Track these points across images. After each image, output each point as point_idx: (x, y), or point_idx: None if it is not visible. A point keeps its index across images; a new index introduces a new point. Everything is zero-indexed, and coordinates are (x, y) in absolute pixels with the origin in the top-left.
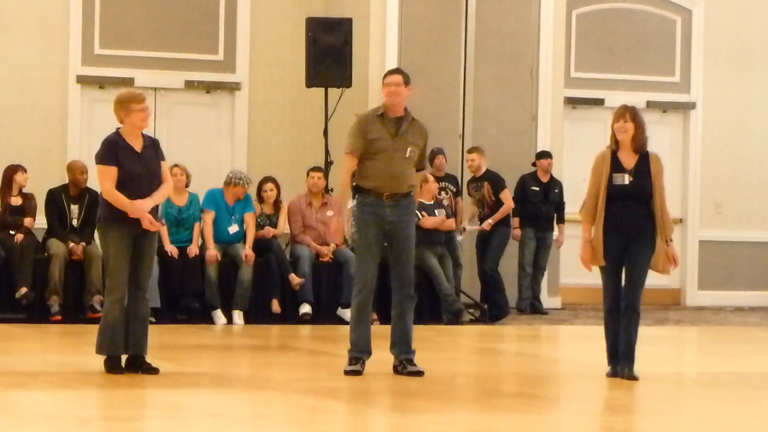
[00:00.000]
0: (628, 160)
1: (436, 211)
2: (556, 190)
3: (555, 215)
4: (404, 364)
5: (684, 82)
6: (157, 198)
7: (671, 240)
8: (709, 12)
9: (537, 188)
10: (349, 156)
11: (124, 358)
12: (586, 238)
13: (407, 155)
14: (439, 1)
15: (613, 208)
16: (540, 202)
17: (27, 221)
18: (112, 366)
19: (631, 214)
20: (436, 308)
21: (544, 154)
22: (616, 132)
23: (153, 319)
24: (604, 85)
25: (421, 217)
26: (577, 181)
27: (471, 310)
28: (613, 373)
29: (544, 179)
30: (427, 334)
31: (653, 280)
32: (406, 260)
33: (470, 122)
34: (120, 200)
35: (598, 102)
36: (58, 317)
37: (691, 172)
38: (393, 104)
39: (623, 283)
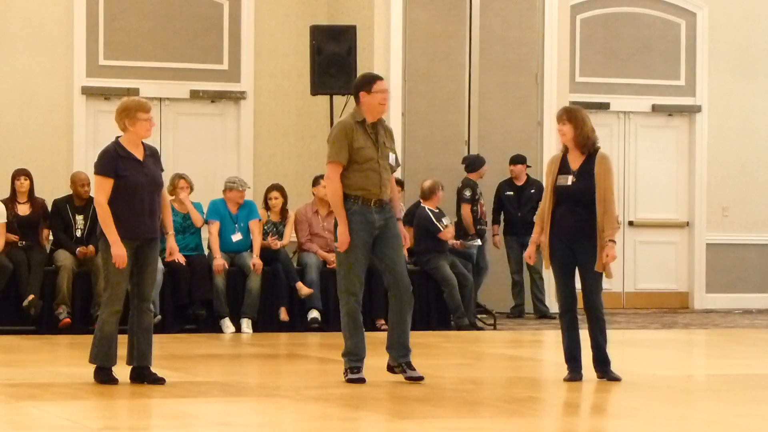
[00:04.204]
0: (575, 161)
1: (443, 219)
2: (532, 191)
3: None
4: (404, 368)
5: (689, 86)
6: (170, 225)
7: (613, 240)
8: (713, 15)
9: (511, 192)
10: (336, 165)
11: (127, 368)
12: (532, 239)
13: (390, 161)
14: (443, 9)
15: (558, 211)
16: (514, 207)
17: (45, 233)
18: (106, 377)
19: (574, 218)
20: (444, 315)
21: (516, 159)
22: (558, 134)
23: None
24: (609, 90)
25: (442, 228)
26: None
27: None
28: (571, 377)
29: (519, 183)
30: (434, 341)
31: (661, 284)
32: (399, 259)
33: (476, 129)
34: (107, 222)
35: (604, 106)
36: (67, 320)
37: (698, 176)
38: (381, 112)
39: (581, 289)
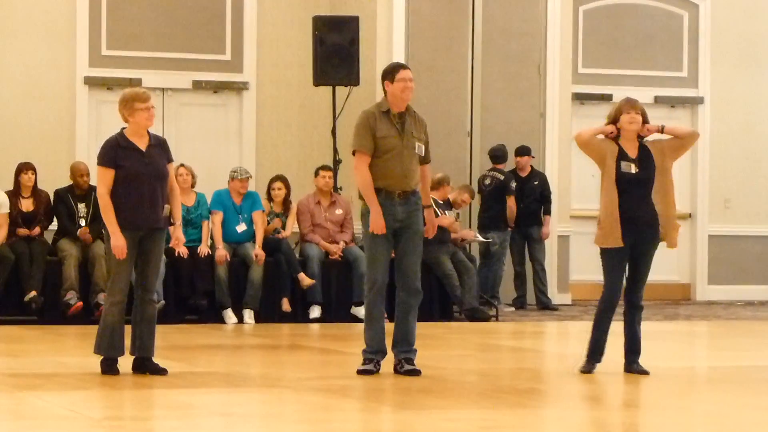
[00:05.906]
0: (632, 149)
1: (446, 211)
2: (536, 182)
3: (542, 207)
4: (402, 363)
5: (692, 78)
6: (178, 215)
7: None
8: (715, 7)
9: (515, 184)
10: (361, 154)
11: (130, 359)
12: (604, 129)
13: (416, 151)
14: (445, 0)
15: (623, 200)
16: (517, 199)
17: (35, 231)
18: (109, 367)
19: (645, 207)
20: (446, 306)
21: (521, 151)
22: (628, 123)
23: None
24: (612, 81)
25: (440, 214)
26: (586, 177)
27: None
28: (588, 369)
29: (523, 174)
30: (437, 332)
31: (662, 275)
32: (413, 256)
33: (478, 120)
34: (108, 213)
35: (606, 97)
36: (80, 304)
37: (700, 167)
38: (405, 100)
39: (632, 279)
